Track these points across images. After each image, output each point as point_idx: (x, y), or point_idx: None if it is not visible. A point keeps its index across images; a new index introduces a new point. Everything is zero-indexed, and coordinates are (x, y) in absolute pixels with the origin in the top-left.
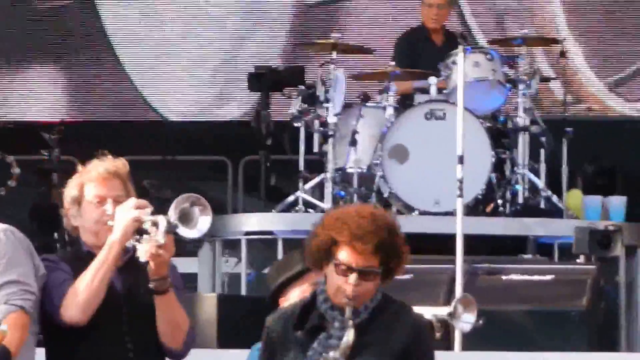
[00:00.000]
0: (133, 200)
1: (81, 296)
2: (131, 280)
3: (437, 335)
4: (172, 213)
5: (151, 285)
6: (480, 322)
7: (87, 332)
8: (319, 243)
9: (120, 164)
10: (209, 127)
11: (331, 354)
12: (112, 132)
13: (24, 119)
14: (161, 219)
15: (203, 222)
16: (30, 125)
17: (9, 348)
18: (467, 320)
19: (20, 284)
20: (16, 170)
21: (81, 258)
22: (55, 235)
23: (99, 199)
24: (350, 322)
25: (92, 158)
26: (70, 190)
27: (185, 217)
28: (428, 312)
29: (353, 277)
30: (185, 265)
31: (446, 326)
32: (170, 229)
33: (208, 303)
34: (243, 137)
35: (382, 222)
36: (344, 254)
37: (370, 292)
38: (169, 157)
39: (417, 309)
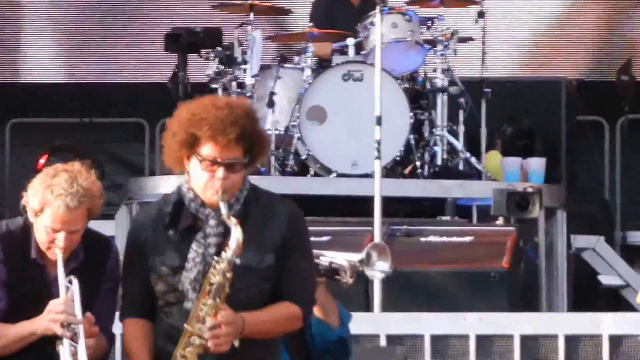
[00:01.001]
0: (62, 316)
1: None
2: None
3: (350, 280)
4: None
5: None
6: (392, 270)
7: None
8: (178, 141)
9: (89, 190)
10: (126, 89)
11: (223, 254)
12: (30, 95)
13: None
14: (80, 342)
15: None
16: None
17: None
18: (380, 269)
19: None
20: None
21: (25, 259)
22: None
23: (51, 230)
24: (234, 220)
25: (9, 121)
26: (32, 199)
27: None
28: (341, 257)
29: (220, 171)
30: (102, 228)
31: (365, 290)
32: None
33: None
34: (160, 98)
35: (240, 110)
36: (207, 149)
37: (239, 183)
38: (87, 120)
39: (328, 254)
